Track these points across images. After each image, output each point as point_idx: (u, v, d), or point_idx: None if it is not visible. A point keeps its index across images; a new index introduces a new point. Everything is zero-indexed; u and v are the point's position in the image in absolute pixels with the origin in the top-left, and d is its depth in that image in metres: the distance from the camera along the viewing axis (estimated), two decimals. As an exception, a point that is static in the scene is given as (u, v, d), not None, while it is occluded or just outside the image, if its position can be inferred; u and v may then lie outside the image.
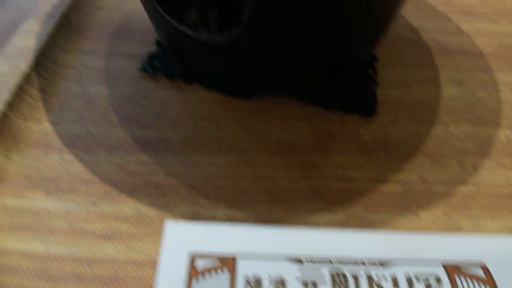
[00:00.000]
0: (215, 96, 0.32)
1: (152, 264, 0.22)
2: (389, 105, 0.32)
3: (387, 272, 0.20)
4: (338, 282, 0.20)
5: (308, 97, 0.31)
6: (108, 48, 0.35)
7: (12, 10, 0.41)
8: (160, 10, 0.27)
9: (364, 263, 0.21)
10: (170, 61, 0.33)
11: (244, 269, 0.20)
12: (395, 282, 0.20)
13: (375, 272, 0.20)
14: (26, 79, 0.30)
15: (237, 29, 0.25)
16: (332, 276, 0.20)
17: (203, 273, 0.20)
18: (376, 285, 0.20)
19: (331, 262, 0.21)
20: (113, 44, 0.36)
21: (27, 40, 0.33)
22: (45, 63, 0.33)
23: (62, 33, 0.35)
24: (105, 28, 0.38)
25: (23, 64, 0.31)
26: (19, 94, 0.29)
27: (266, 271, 0.20)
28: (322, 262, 0.21)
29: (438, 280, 0.20)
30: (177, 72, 0.33)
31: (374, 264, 0.21)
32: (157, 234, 0.23)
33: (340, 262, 0.21)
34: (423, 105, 0.32)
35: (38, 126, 0.29)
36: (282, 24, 0.25)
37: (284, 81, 0.31)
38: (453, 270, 0.21)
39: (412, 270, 0.21)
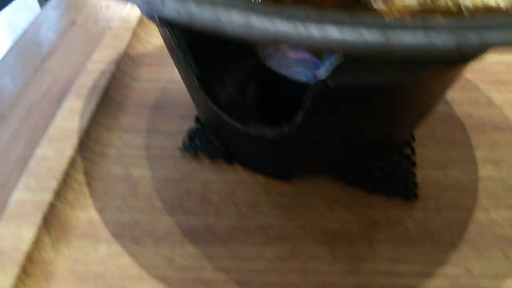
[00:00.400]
0: (257, 179, 0.32)
1: None
2: (429, 188, 0.32)
3: None
4: None
5: (349, 180, 0.32)
6: (148, 125, 0.36)
7: (49, 80, 0.42)
8: (210, 103, 0.28)
9: None
10: (211, 141, 0.34)
11: None
12: None
13: None
14: (72, 164, 0.31)
15: (288, 127, 0.25)
16: None
17: None
18: None
19: None
20: (152, 119, 0.37)
21: (70, 119, 0.34)
22: (89, 144, 0.33)
23: (103, 109, 0.36)
24: (143, 101, 0.38)
25: (68, 148, 0.31)
26: (65, 180, 0.30)
27: None
28: None
29: None
30: (218, 153, 0.33)
31: None
32: None
33: None
34: (462, 187, 0.32)
35: (85, 214, 0.29)
36: (333, 123, 0.25)
37: (326, 165, 0.31)
38: None
39: None
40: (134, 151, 0.34)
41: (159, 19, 0.16)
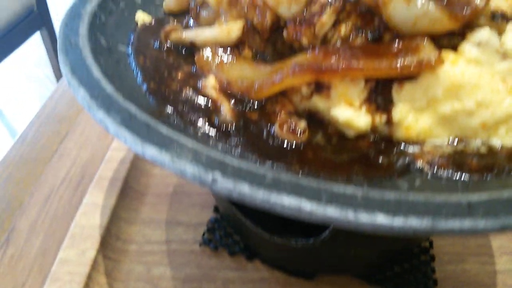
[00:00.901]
0: (278, 277, 0.32)
1: None
2: (448, 283, 0.32)
3: None
4: None
5: (369, 279, 0.32)
6: (167, 216, 0.36)
7: (67, 163, 0.43)
8: (239, 215, 0.28)
9: None
10: (230, 234, 0.34)
11: None
12: None
13: None
14: (93, 266, 0.31)
15: (314, 242, 0.26)
16: None
17: None
18: None
19: None
20: (172, 209, 0.37)
21: (91, 216, 0.34)
22: (110, 241, 0.33)
23: (123, 202, 0.36)
24: (162, 188, 0.39)
25: (90, 249, 0.32)
26: (87, 284, 0.30)
27: None
28: None
29: None
30: (238, 248, 0.33)
31: None
32: None
33: None
34: (480, 283, 0.33)
35: (108, 320, 0.29)
36: (354, 239, 0.26)
37: (347, 269, 0.31)
38: None
39: None
40: (154, 247, 0.34)
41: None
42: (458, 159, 0.20)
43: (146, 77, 0.24)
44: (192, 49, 0.27)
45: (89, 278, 0.30)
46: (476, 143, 0.21)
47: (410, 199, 0.14)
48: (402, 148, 0.21)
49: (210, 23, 0.27)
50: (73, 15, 0.27)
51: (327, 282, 0.32)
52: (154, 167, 0.41)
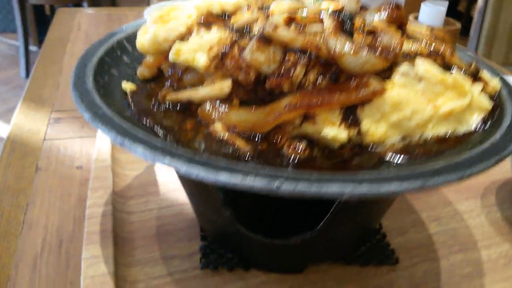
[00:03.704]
0: (275, 278, 0.38)
1: None
2: (401, 251, 0.41)
3: None
4: None
5: (345, 260, 0.39)
6: (160, 253, 0.40)
7: (41, 233, 0.44)
8: (240, 226, 0.34)
9: None
10: (223, 254, 0.39)
11: None
12: None
13: None
14: (116, 307, 0.34)
15: (311, 234, 0.33)
16: None
17: None
18: None
19: None
20: (162, 247, 0.41)
21: (97, 267, 0.37)
22: (120, 284, 0.36)
23: (118, 250, 0.39)
24: (145, 232, 0.42)
25: (108, 293, 0.34)
26: (116, 324, 0.33)
27: None
28: None
29: None
30: (235, 264, 0.39)
31: None
32: None
33: None
34: (422, 245, 0.42)
35: None
36: (345, 224, 0.34)
37: (331, 255, 0.39)
38: None
39: None
40: (160, 281, 0.37)
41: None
42: (408, 149, 0.29)
43: (163, 135, 0.29)
44: (187, 105, 0.33)
45: (115, 319, 0.33)
46: (417, 137, 0.30)
47: (391, 174, 0.22)
48: (371, 149, 0.29)
49: (193, 84, 0.33)
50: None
51: (313, 271, 0.39)
52: (133, 215, 0.44)
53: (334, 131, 0.28)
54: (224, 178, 0.22)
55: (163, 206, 0.46)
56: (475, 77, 0.32)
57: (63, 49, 0.89)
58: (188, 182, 0.35)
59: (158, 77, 0.37)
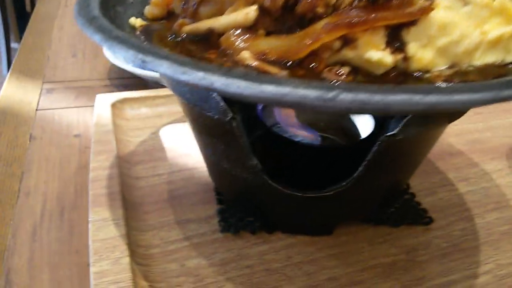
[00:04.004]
0: (303, 240, 0.35)
1: None
2: (433, 211, 0.38)
3: None
4: None
5: (375, 221, 0.37)
6: (175, 217, 0.37)
7: (39, 198, 0.40)
8: (267, 178, 0.31)
9: None
10: (243, 218, 0.36)
11: None
12: None
13: None
14: (133, 271, 0.30)
15: (348, 183, 0.30)
16: None
17: None
18: None
19: None
20: (176, 211, 0.37)
21: (108, 230, 0.33)
22: (133, 249, 0.32)
23: (128, 214, 0.36)
24: (157, 198, 0.39)
25: (124, 257, 0.31)
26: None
27: None
28: None
29: None
30: (257, 226, 0.35)
31: None
32: None
33: None
34: (455, 204, 0.40)
35: (166, 316, 0.29)
36: (380, 174, 0.30)
37: (361, 212, 0.35)
38: None
39: None
40: (177, 245, 0.34)
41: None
42: (457, 77, 0.26)
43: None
44: (206, 36, 0.29)
45: (134, 282, 0.29)
46: (464, 66, 0.27)
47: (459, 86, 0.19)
48: (417, 76, 0.26)
49: (211, 16, 0.30)
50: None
51: (343, 233, 0.36)
52: (141, 181, 0.41)
53: (379, 54, 0.25)
54: (271, 89, 0.18)
55: (173, 170, 0.42)
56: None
57: (51, 24, 0.84)
58: (209, 129, 0.31)
59: (168, 17, 0.33)
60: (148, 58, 0.21)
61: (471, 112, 0.54)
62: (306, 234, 0.35)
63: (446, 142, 0.49)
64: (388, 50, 0.26)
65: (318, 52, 0.26)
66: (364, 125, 0.39)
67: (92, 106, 0.52)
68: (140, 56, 0.21)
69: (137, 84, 0.61)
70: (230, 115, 0.27)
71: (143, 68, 0.21)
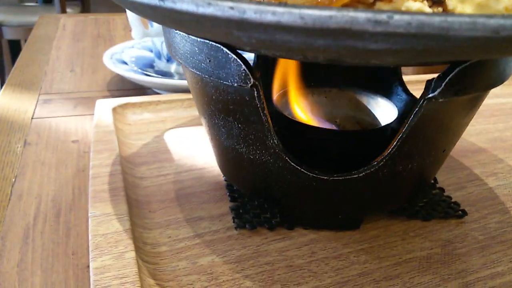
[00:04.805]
0: (327, 235, 0.31)
1: None
2: (466, 205, 0.35)
3: None
4: None
5: (404, 215, 0.33)
6: (184, 215, 0.33)
7: (33, 200, 0.36)
8: (293, 163, 0.28)
9: None
10: (260, 214, 0.32)
11: None
12: None
13: None
14: (138, 267, 0.26)
15: (380, 162, 0.27)
16: None
17: None
18: None
19: None
20: (185, 209, 0.34)
21: (109, 225, 0.29)
22: (139, 246, 0.29)
23: (132, 211, 0.32)
24: (164, 196, 0.35)
25: (128, 251, 0.27)
26: (142, 285, 0.25)
27: None
28: None
29: None
30: (276, 222, 0.32)
31: None
32: None
33: None
34: (487, 198, 0.37)
35: (178, 317, 0.25)
36: (419, 149, 0.28)
37: (386, 203, 0.32)
38: None
39: None
40: (187, 242, 0.30)
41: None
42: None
43: None
44: None
45: (140, 278, 0.25)
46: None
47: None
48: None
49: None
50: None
51: (371, 228, 0.32)
52: (145, 180, 0.37)
53: (419, 5, 0.23)
54: (313, 12, 0.16)
55: (179, 171, 0.39)
56: None
57: (49, 44, 0.82)
58: (226, 105, 0.28)
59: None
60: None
61: (488, 113, 0.52)
62: (331, 229, 0.32)
63: (467, 141, 0.46)
64: (426, 2, 0.24)
65: (350, 6, 0.24)
66: (385, 118, 0.36)
67: (92, 114, 0.50)
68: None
69: (137, 95, 0.58)
70: (251, 81, 0.24)
71: (162, 5, 0.19)
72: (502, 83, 0.26)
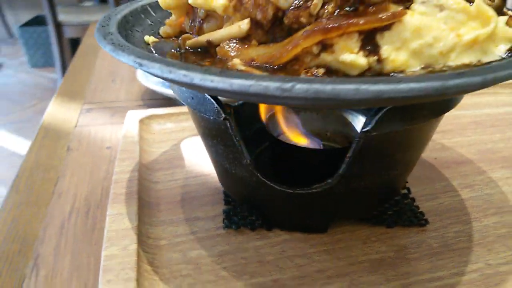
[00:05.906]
0: (298, 236, 0.37)
1: None
2: (432, 214, 0.40)
3: None
4: None
5: (371, 221, 0.38)
6: (185, 215, 0.40)
7: (69, 199, 0.45)
8: (262, 178, 0.34)
9: None
10: (247, 216, 0.39)
11: None
12: None
13: None
14: (138, 256, 0.34)
15: (333, 180, 0.32)
16: None
17: None
18: None
19: None
20: (186, 210, 0.41)
21: (121, 223, 0.37)
22: (143, 239, 0.36)
23: (143, 211, 0.40)
24: (171, 199, 0.43)
25: (132, 244, 0.34)
26: (138, 270, 0.32)
27: None
28: None
29: None
30: (257, 224, 0.38)
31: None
32: None
33: None
34: (455, 209, 0.40)
35: (164, 296, 0.32)
36: (368, 168, 0.33)
37: (351, 211, 0.37)
38: None
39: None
40: (183, 238, 0.37)
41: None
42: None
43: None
44: (206, 48, 0.33)
45: (138, 265, 0.33)
46: (439, 67, 0.29)
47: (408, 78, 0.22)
48: (391, 76, 0.29)
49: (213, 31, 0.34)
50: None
51: (338, 232, 0.38)
52: (159, 184, 0.45)
53: (353, 56, 0.28)
54: (239, 82, 0.22)
55: (188, 176, 0.46)
56: (499, 11, 0.31)
57: (95, 55, 0.93)
58: (210, 131, 0.35)
59: (179, 35, 0.38)
60: (144, 62, 0.26)
61: (489, 123, 0.54)
62: (302, 231, 0.38)
63: (456, 152, 0.50)
64: (361, 53, 0.29)
65: (300, 56, 0.30)
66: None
67: (124, 123, 0.58)
68: (138, 60, 0.26)
69: (166, 104, 0.66)
70: (223, 115, 0.31)
71: (140, 67, 0.26)
72: (444, 113, 0.31)
